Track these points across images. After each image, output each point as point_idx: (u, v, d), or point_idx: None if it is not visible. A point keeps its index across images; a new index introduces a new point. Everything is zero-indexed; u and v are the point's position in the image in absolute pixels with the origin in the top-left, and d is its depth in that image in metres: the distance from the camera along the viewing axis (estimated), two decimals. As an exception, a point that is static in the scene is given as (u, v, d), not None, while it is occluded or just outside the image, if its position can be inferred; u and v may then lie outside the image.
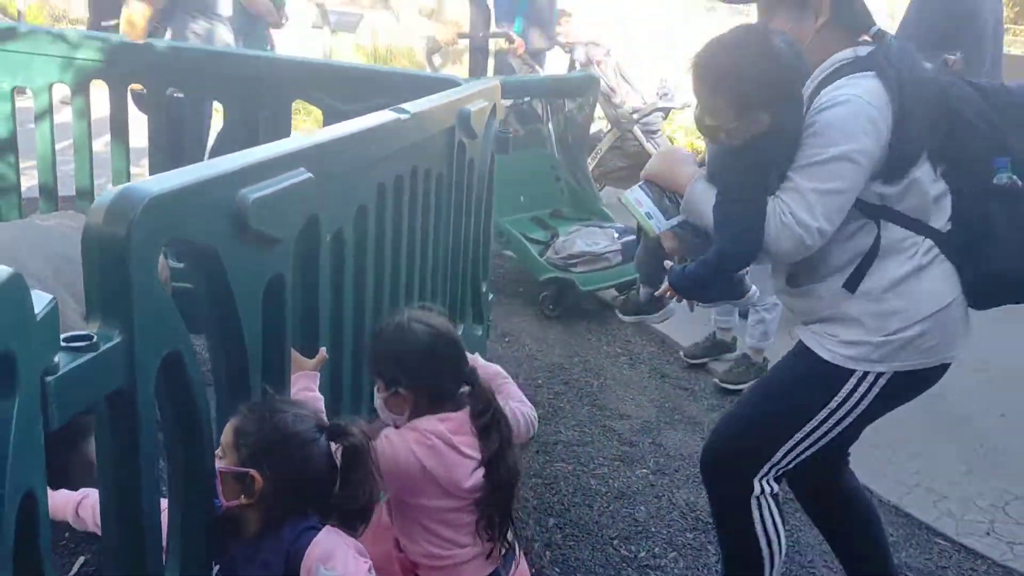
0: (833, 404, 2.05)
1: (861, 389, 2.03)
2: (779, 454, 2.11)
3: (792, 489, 2.47)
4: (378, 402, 2.08)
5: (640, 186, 2.12)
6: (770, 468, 2.13)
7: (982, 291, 2.05)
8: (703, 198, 1.99)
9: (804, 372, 2.11)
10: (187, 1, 4.11)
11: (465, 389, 2.06)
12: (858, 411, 2.05)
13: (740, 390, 3.89)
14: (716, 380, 4.04)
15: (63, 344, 1.20)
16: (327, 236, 2.04)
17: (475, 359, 2.21)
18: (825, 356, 2.05)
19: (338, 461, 1.71)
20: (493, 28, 6.61)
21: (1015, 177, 1.95)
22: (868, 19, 2.03)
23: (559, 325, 4.68)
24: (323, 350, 2.03)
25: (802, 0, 2.00)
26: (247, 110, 3.76)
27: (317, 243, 2.00)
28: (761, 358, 4.02)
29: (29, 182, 3.96)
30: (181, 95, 3.73)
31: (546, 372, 4.09)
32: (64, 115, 3.96)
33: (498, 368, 2.30)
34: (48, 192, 3.78)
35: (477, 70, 6.57)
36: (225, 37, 4.44)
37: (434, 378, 2.04)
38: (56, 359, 1.17)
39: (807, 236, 1.88)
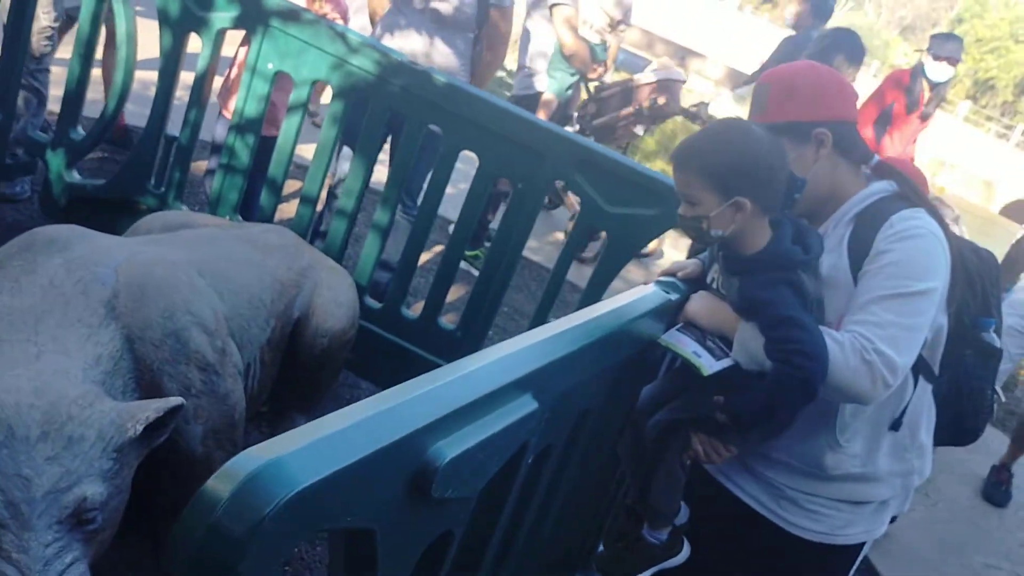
0: None
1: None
2: None
3: None
4: None
5: (678, 329, 1.93)
6: None
7: (938, 436, 2.08)
8: (754, 335, 1.79)
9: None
10: None
11: None
12: None
13: None
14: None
15: None
16: (529, 459, 1.56)
17: None
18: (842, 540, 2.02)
19: None
20: None
21: (996, 337, 2.01)
22: (867, 150, 1.99)
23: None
24: None
25: (803, 131, 1.90)
26: (501, 172, 3.36)
27: (516, 470, 1.52)
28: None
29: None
30: (439, 131, 3.37)
31: None
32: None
33: None
34: (275, 188, 3.52)
35: None
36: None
37: None
38: None
39: (891, 376, 1.71)
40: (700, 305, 1.94)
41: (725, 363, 1.84)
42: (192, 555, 0.86)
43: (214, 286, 2.36)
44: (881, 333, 1.72)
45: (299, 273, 2.82)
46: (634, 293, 1.88)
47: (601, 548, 2.18)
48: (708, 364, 1.82)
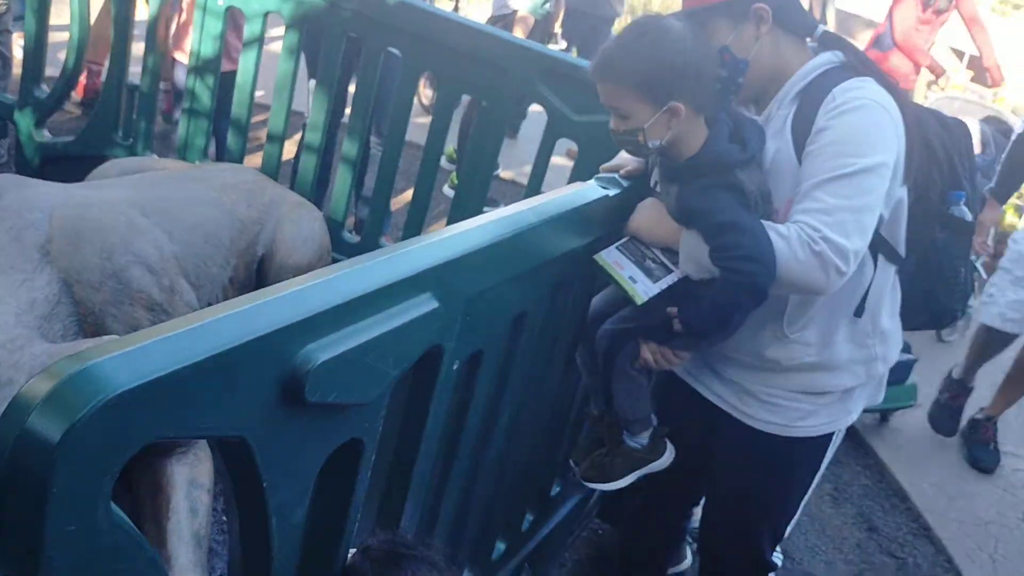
0: (821, 468, 2.10)
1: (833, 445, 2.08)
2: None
3: None
4: None
5: (617, 247, 1.84)
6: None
7: (913, 318, 2.03)
8: (698, 244, 1.73)
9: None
10: None
11: None
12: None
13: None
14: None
15: None
16: (454, 365, 1.51)
17: None
18: (804, 432, 1.96)
19: None
20: None
21: (966, 211, 1.91)
22: (812, 21, 1.88)
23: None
24: None
25: (740, 9, 1.78)
26: (463, 90, 3.27)
27: (434, 376, 1.47)
28: None
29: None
30: (398, 53, 3.27)
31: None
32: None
33: None
34: (240, 128, 3.46)
35: None
36: None
37: None
38: None
39: (843, 264, 1.63)
40: (643, 218, 1.87)
41: (665, 283, 1.80)
42: (3, 464, 0.81)
43: (161, 225, 2.32)
44: (828, 219, 1.65)
45: (261, 210, 2.77)
46: (568, 189, 1.80)
47: (572, 462, 2.14)
48: (643, 291, 1.79)
